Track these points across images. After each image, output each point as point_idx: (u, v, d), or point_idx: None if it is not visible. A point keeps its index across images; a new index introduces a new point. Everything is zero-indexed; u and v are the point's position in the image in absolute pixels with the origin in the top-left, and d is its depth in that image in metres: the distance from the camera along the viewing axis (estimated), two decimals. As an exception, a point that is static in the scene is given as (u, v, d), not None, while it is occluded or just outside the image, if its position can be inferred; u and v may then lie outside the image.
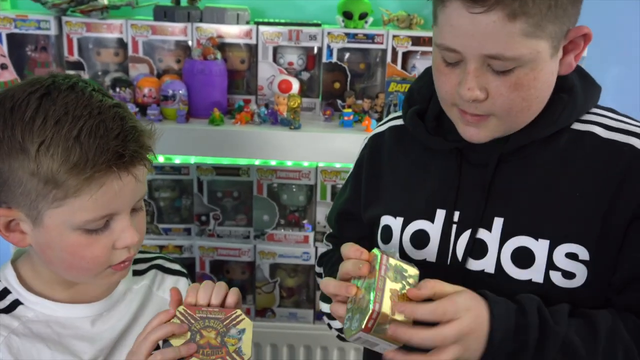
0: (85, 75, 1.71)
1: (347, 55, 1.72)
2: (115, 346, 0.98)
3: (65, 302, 0.95)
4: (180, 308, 0.86)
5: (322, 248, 1.23)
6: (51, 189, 0.84)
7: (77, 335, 0.95)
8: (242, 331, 0.86)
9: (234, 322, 0.86)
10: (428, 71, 1.02)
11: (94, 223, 0.87)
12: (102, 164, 0.83)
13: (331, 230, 1.17)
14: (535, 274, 0.89)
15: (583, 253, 0.87)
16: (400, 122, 1.04)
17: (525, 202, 0.90)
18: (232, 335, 0.85)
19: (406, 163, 1.02)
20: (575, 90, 0.90)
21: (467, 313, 0.79)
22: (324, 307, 1.04)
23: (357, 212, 1.08)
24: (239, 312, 0.87)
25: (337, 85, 1.74)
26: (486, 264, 0.91)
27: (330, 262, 1.09)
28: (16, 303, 0.93)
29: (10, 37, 1.68)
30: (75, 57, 1.70)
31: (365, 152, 1.07)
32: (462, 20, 0.81)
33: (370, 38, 1.69)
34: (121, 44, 1.70)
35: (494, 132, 0.89)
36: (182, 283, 1.10)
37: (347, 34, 1.69)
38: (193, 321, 0.85)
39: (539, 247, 0.88)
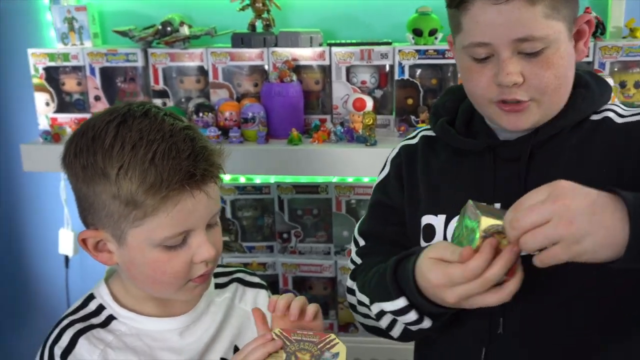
0: (170, 103, 1.81)
1: (418, 71, 1.74)
2: (201, 357, 1.02)
3: (154, 316, 1.00)
4: (277, 330, 0.90)
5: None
6: (131, 209, 0.89)
7: (166, 347, 1.00)
8: (336, 355, 0.87)
9: (328, 346, 0.88)
10: (450, 89, 1.13)
11: (172, 240, 0.92)
12: (176, 184, 0.88)
13: (358, 246, 1.16)
14: None
15: None
16: (430, 132, 1.11)
17: None
18: (327, 359, 0.87)
19: (439, 166, 1.07)
20: (591, 86, 1.00)
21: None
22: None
23: (394, 206, 1.10)
24: (333, 336, 0.89)
25: (410, 101, 1.76)
26: None
27: (362, 275, 1.08)
28: (110, 318, 0.99)
29: (103, 70, 1.80)
30: (161, 85, 1.80)
31: (401, 158, 1.12)
32: (488, 14, 0.90)
33: (440, 53, 1.71)
34: (202, 71, 1.79)
35: (534, 117, 0.95)
36: (262, 295, 1.13)
37: (417, 51, 1.71)
38: (288, 343, 0.88)
39: None
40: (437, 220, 1.04)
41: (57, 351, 0.95)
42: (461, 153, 1.04)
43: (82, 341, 0.96)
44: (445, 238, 1.01)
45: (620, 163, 0.94)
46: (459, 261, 0.83)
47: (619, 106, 1.02)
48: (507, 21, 0.90)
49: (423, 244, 1.05)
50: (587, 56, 1.67)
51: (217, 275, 1.10)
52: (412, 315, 0.95)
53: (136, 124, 0.91)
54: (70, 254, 2.04)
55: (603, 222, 0.76)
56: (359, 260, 1.13)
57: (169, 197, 0.89)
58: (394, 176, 1.12)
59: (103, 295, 1.01)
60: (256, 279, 1.15)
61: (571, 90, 0.98)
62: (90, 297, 1.02)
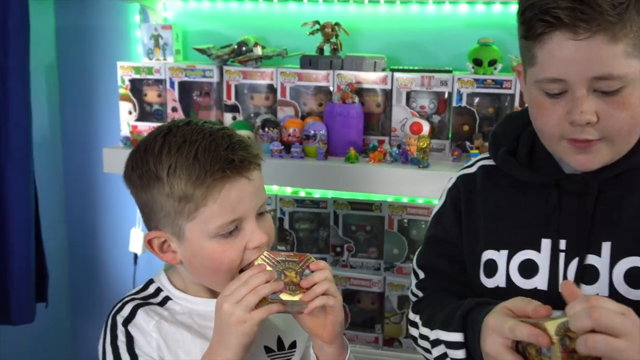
0: (239, 117, 1.94)
1: (476, 99, 1.81)
2: None
3: (207, 297, 1.09)
4: (265, 253, 1.00)
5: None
6: (184, 204, 0.99)
7: (213, 326, 1.06)
8: (313, 272, 1.00)
9: (307, 264, 1.00)
10: (510, 116, 1.11)
11: (225, 228, 1.00)
12: (217, 171, 0.98)
13: (418, 278, 1.15)
14: None
15: None
16: (488, 162, 1.09)
17: (629, 224, 0.94)
18: (307, 274, 0.99)
19: (500, 198, 1.05)
20: None
21: None
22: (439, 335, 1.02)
23: (452, 240, 1.10)
24: (309, 255, 1.01)
25: (466, 127, 1.83)
26: (599, 288, 0.94)
27: (429, 309, 1.07)
28: (167, 299, 1.09)
29: (181, 84, 1.95)
30: (232, 100, 1.93)
31: (459, 190, 1.11)
32: (565, 49, 0.86)
33: (498, 83, 1.77)
34: (271, 89, 1.91)
35: (605, 157, 0.93)
36: None
37: (476, 80, 1.78)
38: (276, 263, 0.99)
39: None
40: (499, 256, 1.02)
41: (119, 319, 1.06)
42: (524, 185, 1.02)
43: (140, 312, 1.06)
44: (507, 274, 1.01)
45: None
46: (531, 312, 0.83)
47: None
48: (585, 58, 0.86)
49: (483, 279, 1.04)
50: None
51: None
52: (461, 354, 0.96)
53: (180, 131, 1.03)
54: (139, 252, 2.19)
55: None
56: (420, 293, 1.13)
57: (213, 185, 0.98)
58: (451, 208, 1.11)
59: (162, 280, 1.12)
60: None
61: None
62: (150, 282, 1.13)
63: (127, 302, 1.09)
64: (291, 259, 1.01)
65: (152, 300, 1.10)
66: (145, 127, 1.99)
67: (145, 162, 1.02)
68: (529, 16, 0.90)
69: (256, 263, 1.00)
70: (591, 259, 0.95)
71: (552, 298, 0.94)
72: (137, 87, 2.00)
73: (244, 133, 1.75)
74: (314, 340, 1.07)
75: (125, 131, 2.01)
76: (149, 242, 1.07)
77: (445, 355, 0.99)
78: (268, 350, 1.12)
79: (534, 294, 0.97)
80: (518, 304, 0.86)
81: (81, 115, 2.22)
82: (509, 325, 0.83)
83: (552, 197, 0.99)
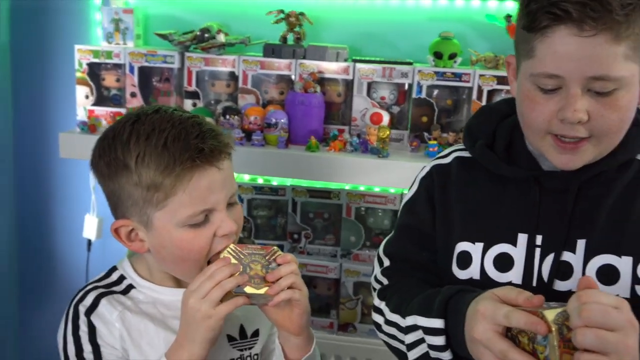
0: (200, 104, 1.93)
1: (435, 91, 1.85)
2: None
3: (171, 287, 1.09)
4: (231, 246, 1.01)
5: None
6: (153, 193, 0.98)
7: (177, 316, 1.05)
8: (280, 265, 1.00)
9: (274, 257, 1.01)
10: (485, 108, 1.10)
11: (195, 217, 1.00)
12: (187, 160, 0.97)
13: (383, 265, 1.14)
14: (621, 290, 0.93)
15: None
16: (464, 153, 1.08)
17: (605, 223, 0.95)
18: (273, 268, 1.00)
19: (476, 191, 1.05)
20: None
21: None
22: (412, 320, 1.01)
23: (425, 230, 1.09)
24: (276, 248, 1.02)
25: (424, 119, 1.87)
26: (573, 284, 0.95)
27: (397, 296, 1.06)
28: (130, 287, 1.09)
29: (141, 69, 1.93)
30: (193, 87, 1.92)
31: (433, 179, 1.10)
32: (568, 45, 0.85)
33: (458, 77, 1.82)
34: (233, 76, 1.91)
35: (588, 157, 0.94)
36: None
37: (436, 73, 1.82)
38: (242, 256, 1.00)
39: (623, 263, 0.93)
40: (474, 248, 1.02)
41: (82, 309, 1.04)
42: (502, 179, 1.02)
43: (103, 302, 1.05)
44: (482, 267, 1.01)
45: None
46: (522, 302, 0.82)
47: None
48: (585, 57, 0.85)
49: (456, 270, 1.04)
50: None
51: None
52: (440, 340, 0.94)
53: (149, 119, 1.01)
54: (93, 238, 2.16)
55: None
56: (385, 280, 1.11)
57: (183, 174, 0.97)
58: (424, 197, 1.10)
59: (125, 268, 1.11)
60: None
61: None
62: (113, 269, 1.12)
63: (89, 290, 1.07)
64: (258, 252, 1.01)
65: (115, 288, 1.09)
66: (103, 112, 1.96)
67: (113, 150, 1.01)
68: (534, 8, 0.88)
69: (222, 256, 1.00)
70: (566, 256, 0.97)
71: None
72: (94, 71, 1.96)
73: (205, 120, 1.75)
74: (280, 331, 1.08)
75: (81, 115, 1.97)
76: (115, 231, 1.05)
77: (422, 340, 0.98)
78: (231, 339, 1.13)
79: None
80: (508, 293, 0.85)
81: (35, 98, 2.16)
82: (504, 312, 0.82)
83: (531, 193, 1.00)
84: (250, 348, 1.15)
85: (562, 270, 0.96)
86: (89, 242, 2.19)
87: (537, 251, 0.98)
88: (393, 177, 1.74)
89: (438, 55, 1.83)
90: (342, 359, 2.02)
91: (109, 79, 1.96)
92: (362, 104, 1.88)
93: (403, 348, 1.02)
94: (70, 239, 2.24)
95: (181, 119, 1.02)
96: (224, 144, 1.03)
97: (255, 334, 1.16)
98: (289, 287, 1.00)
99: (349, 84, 1.88)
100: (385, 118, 1.82)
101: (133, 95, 1.95)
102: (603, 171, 0.97)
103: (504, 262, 1.00)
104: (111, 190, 1.04)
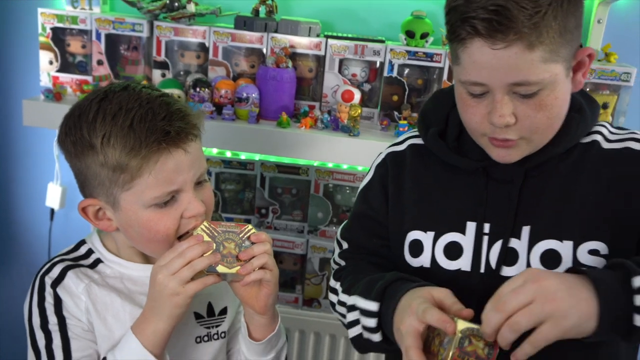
0: (169, 74, 1.89)
1: (406, 70, 1.85)
2: None
3: (139, 262, 1.09)
4: (205, 223, 1.00)
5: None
6: (119, 174, 0.97)
7: (144, 292, 1.06)
8: (253, 243, 1.00)
9: (248, 235, 1.01)
10: (439, 93, 1.11)
11: (162, 198, 0.99)
12: (153, 143, 0.96)
13: (342, 248, 1.18)
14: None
15: (603, 248, 0.95)
16: (418, 140, 1.11)
17: (548, 209, 0.99)
18: (247, 246, 1.00)
19: (429, 180, 1.07)
20: (584, 110, 1.01)
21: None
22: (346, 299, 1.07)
23: (377, 218, 1.12)
24: (250, 226, 1.01)
25: (395, 97, 1.87)
26: (519, 269, 0.98)
27: (350, 278, 1.10)
28: (98, 261, 1.09)
29: (108, 37, 1.87)
30: (162, 57, 1.88)
31: (387, 167, 1.12)
32: (485, 56, 0.88)
33: (429, 56, 1.82)
34: (203, 48, 1.88)
35: (523, 152, 0.98)
36: None
37: (408, 52, 1.82)
38: (216, 234, 0.99)
39: (564, 247, 0.96)
40: (425, 237, 1.05)
41: (48, 280, 1.04)
42: (453, 169, 1.05)
43: (70, 274, 1.05)
44: (433, 256, 1.04)
45: (609, 196, 0.97)
46: (454, 312, 0.87)
47: (606, 127, 1.03)
48: (503, 66, 0.88)
49: (408, 258, 1.07)
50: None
51: None
52: (372, 322, 0.99)
53: (116, 97, 0.99)
54: (56, 207, 2.12)
55: (581, 295, 0.81)
56: (342, 262, 1.17)
57: (149, 156, 0.96)
58: (378, 185, 1.12)
59: (94, 242, 1.10)
60: None
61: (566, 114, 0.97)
62: (82, 243, 1.12)
63: (56, 263, 1.07)
64: (232, 230, 1.01)
65: (82, 262, 1.08)
66: (68, 78, 1.91)
67: (79, 129, 0.99)
68: (451, 19, 0.92)
69: (195, 233, 0.99)
70: (512, 242, 1.00)
71: (474, 279, 0.99)
72: (59, 37, 1.90)
73: (174, 92, 1.72)
74: (246, 309, 1.09)
75: (45, 82, 1.92)
76: (83, 210, 1.04)
77: (357, 321, 1.02)
78: (198, 316, 1.13)
79: (457, 274, 1.01)
80: (445, 298, 0.90)
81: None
82: (423, 308, 0.87)
83: (479, 183, 1.03)
84: (217, 326, 1.15)
85: (509, 256, 1.00)
86: (52, 211, 2.15)
87: (485, 239, 1.01)
88: (362, 155, 1.74)
89: (410, 34, 1.82)
90: (306, 333, 2.04)
91: (75, 45, 1.91)
92: (334, 80, 1.87)
93: (346, 321, 1.06)
94: (33, 207, 2.20)
95: (149, 97, 1.00)
96: (192, 125, 1.01)
97: (223, 311, 1.17)
98: (261, 267, 1.00)
99: (320, 60, 1.86)
100: (357, 96, 1.81)
101: (100, 63, 1.90)
102: (546, 160, 1.00)
103: (453, 250, 1.03)
104: (78, 169, 1.02)
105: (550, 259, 0.97)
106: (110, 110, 0.98)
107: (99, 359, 1.05)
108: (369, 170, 1.17)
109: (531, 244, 0.99)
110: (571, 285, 0.82)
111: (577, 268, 0.87)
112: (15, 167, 2.18)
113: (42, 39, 1.89)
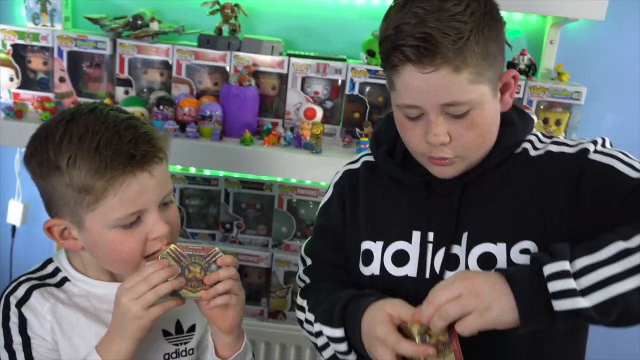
0: (132, 92, 1.90)
1: (367, 88, 1.89)
2: None
3: (105, 281, 1.10)
4: (172, 246, 1.00)
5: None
6: (84, 195, 0.98)
7: (111, 310, 1.06)
8: (220, 267, 1.01)
9: (214, 259, 1.01)
10: (389, 117, 1.16)
11: (126, 219, 1.00)
12: (119, 165, 0.97)
13: (306, 265, 1.23)
14: None
15: (532, 247, 1.02)
16: (371, 158, 1.18)
17: (483, 216, 1.05)
18: (212, 270, 1.01)
19: (379, 194, 1.14)
20: (516, 124, 1.08)
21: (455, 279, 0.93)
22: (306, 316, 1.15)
23: (337, 231, 1.18)
24: (217, 249, 1.02)
25: (356, 115, 1.91)
26: None
27: (314, 296, 1.16)
28: (64, 280, 1.09)
29: (70, 54, 1.87)
30: (125, 74, 1.89)
31: (344, 184, 1.19)
32: (416, 80, 0.95)
33: (389, 75, 1.86)
34: (166, 65, 1.89)
35: (460, 168, 1.04)
36: None
37: (369, 70, 1.86)
38: (182, 258, 1.00)
39: (498, 249, 1.03)
40: (375, 246, 1.11)
41: (13, 300, 1.05)
42: (399, 183, 1.12)
43: (35, 294, 1.05)
44: (382, 264, 1.10)
45: (532, 198, 1.04)
46: (411, 319, 0.94)
47: (537, 136, 1.10)
48: (433, 88, 0.95)
49: (362, 267, 1.13)
50: (518, 93, 1.85)
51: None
52: (343, 347, 1.06)
53: (83, 119, 1.01)
54: (18, 224, 2.10)
55: (502, 290, 0.89)
56: (307, 279, 1.21)
57: (114, 179, 0.97)
58: (337, 201, 1.18)
59: (61, 260, 1.11)
60: None
61: (499, 128, 1.05)
62: (49, 261, 1.12)
63: (22, 282, 1.07)
64: (198, 253, 1.02)
65: (49, 281, 1.09)
66: (29, 95, 1.90)
67: (45, 150, 1.00)
68: (384, 48, 0.98)
69: (160, 257, 1.01)
70: (454, 249, 1.06)
71: (420, 283, 1.04)
72: (20, 53, 1.89)
73: (137, 110, 1.73)
74: (212, 328, 1.10)
75: (6, 98, 1.90)
76: (48, 229, 1.05)
77: (328, 344, 1.09)
78: (166, 333, 1.15)
79: (404, 280, 1.07)
80: (399, 311, 0.97)
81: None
82: (392, 340, 0.94)
83: (422, 195, 1.10)
84: (185, 343, 1.17)
85: (452, 262, 1.06)
86: (14, 228, 2.13)
87: (430, 246, 1.07)
88: (325, 172, 1.76)
89: (371, 54, 1.87)
90: (272, 345, 2.06)
91: (36, 62, 1.90)
92: (296, 98, 1.90)
93: (317, 347, 1.13)
94: (-7, 224, 2.18)
95: (116, 120, 1.01)
96: (158, 148, 1.03)
97: (192, 329, 1.18)
98: (226, 292, 1.02)
99: (283, 78, 1.89)
100: (319, 113, 1.85)
101: (62, 80, 1.89)
102: (484, 170, 1.06)
103: (400, 258, 1.09)
104: (44, 189, 1.03)
105: (486, 261, 1.03)
106: (76, 132, 0.99)
107: None
108: (329, 187, 1.23)
109: (469, 249, 1.05)
110: (495, 282, 0.90)
111: (501, 268, 0.96)
112: (-25, 184, 2.16)
113: (2, 55, 1.88)
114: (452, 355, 0.93)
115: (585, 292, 0.87)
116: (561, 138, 1.10)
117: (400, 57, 0.95)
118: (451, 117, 0.98)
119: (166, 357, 1.14)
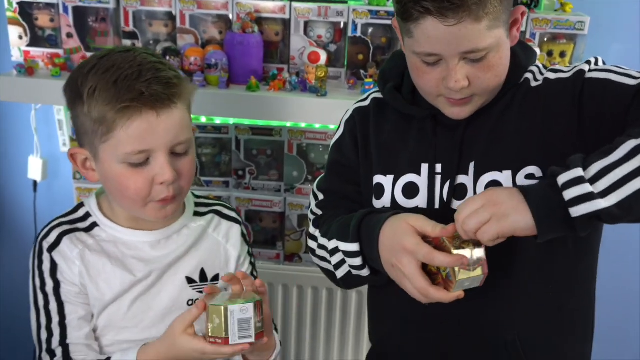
0: (139, 44, 1.92)
1: (370, 30, 1.90)
2: (164, 270, 1.18)
3: (132, 228, 1.17)
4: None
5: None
6: (99, 125, 1.05)
7: (137, 256, 1.16)
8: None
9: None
10: (395, 55, 1.20)
11: (134, 157, 1.06)
12: (127, 100, 1.02)
13: (318, 199, 1.27)
14: None
15: (537, 172, 1.06)
16: (380, 95, 1.21)
17: (488, 145, 1.09)
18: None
19: (388, 129, 1.17)
20: (518, 55, 1.11)
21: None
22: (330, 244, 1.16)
23: (350, 165, 1.22)
24: (256, 296, 1.04)
25: (360, 57, 1.92)
26: None
27: (327, 223, 1.20)
28: (94, 225, 1.17)
29: (75, 9, 1.89)
30: (131, 27, 1.91)
31: (355, 121, 1.22)
32: (437, 31, 0.98)
33: (391, 15, 1.85)
34: (170, 16, 1.91)
35: (476, 107, 1.08)
36: (235, 229, 1.28)
37: (370, 11, 1.86)
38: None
39: (504, 177, 1.07)
40: (385, 180, 1.15)
41: (45, 245, 1.13)
42: (408, 118, 1.15)
43: (65, 240, 1.14)
44: (393, 196, 1.14)
45: (535, 125, 1.07)
46: (439, 234, 0.99)
47: (539, 67, 1.13)
48: (455, 38, 0.97)
49: (374, 201, 1.16)
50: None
51: (198, 205, 1.26)
52: (358, 261, 1.10)
53: (114, 56, 1.07)
54: (38, 179, 2.18)
55: (520, 199, 0.94)
56: (319, 212, 1.25)
57: (122, 112, 1.02)
58: (349, 137, 1.22)
59: (91, 205, 1.18)
60: (233, 214, 1.30)
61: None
62: (80, 205, 1.20)
63: (54, 227, 1.15)
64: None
65: (79, 225, 1.16)
66: (39, 52, 1.94)
67: (75, 80, 1.07)
68: (404, 1, 0.99)
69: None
70: (461, 179, 1.10)
71: (430, 214, 1.08)
72: (26, 11, 1.92)
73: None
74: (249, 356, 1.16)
75: (17, 57, 1.94)
76: (72, 156, 1.13)
77: (343, 261, 1.13)
78: (190, 281, 1.21)
79: (415, 211, 1.10)
80: (424, 226, 1.01)
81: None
82: (424, 252, 0.99)
83: (429, 128, 1.13)
84: None
85: (459, 191, 1.10)
86: (35, 183, 2.20)
87: (438, 178, 1.12)
88: (332, 115, 1.79)
89: (372, -6, 1.87)
90: (289, 287, 2.13)
91: (43, 19, 1.93)
92: (300, 42, 1.91)
93: (331, 268, 1.17)
94: (15, 181, 2.25)
95: (142, 61, 1.06)
96: (172, 93, 1.06)
97: (215, 278, 1.24)
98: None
99: (286, 23, 1.90)
100: (323, 57, 1.86)
101: (69, 35, 1.93)
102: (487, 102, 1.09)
103: (411, 190, 1.13)
104: (72, 117, 1.11)
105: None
106: (103, 66, 1.05)
107: (92, 318, 1.14)
108: (339, 126, 1.26)
109: (476, 178, 1.09)
110: (513, 193, 0.96)
111: (519, 185, 1.01)
112: (-5, 142, 2.23)
113: (9, 13, 1.91)
114: (479, 268, 0.98)
115: (603, 193, 0.90)
116: (557, 66, 1.13)
117: (421, 10, 0.97)
118: (470, 62, 1.01)
119: (190, 303, 1.20)
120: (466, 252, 0.97)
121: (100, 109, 1.03)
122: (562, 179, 0.92)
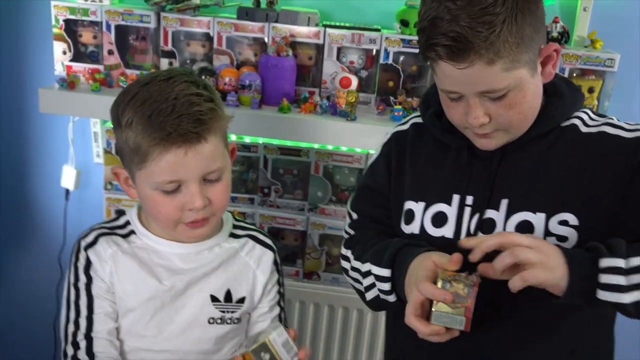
0: (176, 63, 1.99)
1: (401, 58, 1.94)
2: (190, 283, 1.22)
3: (166, 239, 1.22)
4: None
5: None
6: (134, 154, 1.11)
7: (165, 265, 1.21)
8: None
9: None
10: None
11: (165, 185, 1.12)
12: (156, 138, 1.07)
13: (351, 219, 1.29)
14: None
15: (572, 219, 1.06)
16: (420, 120, 1.23)
17: (524, 185, 1.09)
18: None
19: (425, 155, 1.19)
20: (564, 95, 1.11)
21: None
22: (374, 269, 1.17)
23: (380, 189, 1.24)
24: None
25: (391, 83, 1.97)
26: None
27: (359, 246, 1.22)
28: (131, 232, 1.23)
29: (117, 27, 1.97)
30: (169, 47, 1.98)
31: (392, 145, 1.24)
32: (452, 72, 1.00)
33: (422, 45, 1.91)
34: (208, 37, 1.97)
35: (502, 141, 1.09)
36: (268, 256, 1.30)
37: (402, 40, 1.91)
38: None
39: (537, 219, 1.07)
40: (417, 207, 1.16)
41: (83, 244, 1.20)
42: (444, 146, 1.16)
43: (101, 240, 1.21)
44: (422, 224, 1.15)
45: (580, 173, 1.07)
46: (447, 265, 1.01)
47: (587, 114, 1.12)
48: (469, 80, 0.99)
49: (403, 226, 1.18)
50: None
51: (236, 227, 1.30)
52: (387, 286, 1.12)
53: (153, 85, 1.11)
54: (71, 188, 2.24)
55: (564, 264, 0.96)
56: (352, 232, 1.28)
57: (153, 147, 1.08)
58: (384, 161, 1.24)
59: (132, 215, 1.25)
60: (269, 241, 1.32)
61: (545, 98, 1.08)
62: (122, 213, 1.27)
63: (94, 229, 1.23)
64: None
65: (118, 231, 1.23)
66: (81, 67, 2.01)
67: (117, 106, 1.13)
68: (421, 39, 1.02)
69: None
70: (491, 213, 1.11)
71: (456, 245, 1.10)
72: (71, 28, 1.99)
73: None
74: None
75: (59, 71, 2.02)
76: (115, 174, 1.20)
77: (373, 284, 1.16)
78: (214, 299, 1.24)
79: (441, 241, 1.14)
80: (442, 259, 1.03)
81: (13, 54, 2.18)
82: (420, 281, 1.02)
83: (464, 159, 1.14)
84: (232, 312, 1.26)
85: (486, 226, 1.11)
86: (67, 191, 2.27)
87: (467, 210, 1.13)
88: (359, 138, 1.85)
89: (405, 23, 1.91)
90: (306, 304, 2.16)
91: (86, 36, 2.00)
92: (332, 67, 1.96)
93: (362, 289, 1.20)
94: (48, 189, 2.32)
95: (179, 94, 1.09)
96: (202, 129, 1.09)
97: (241, 300, 1.27)
98: None
99: (319, 48, 1.95)
100: (354, 82, 1.91)
101: (110, 52, 2.00)
102: (528, 140, 1.10)
103: (440, 219, 1.15)
104: (115, 138, 1.17)
105: (524, 229, 1.09)
106: (142, 97, 1.10)
107: (117, 317, 1.20)
108: (377, 148, 1.29)
109: (508, 215, 1.10)
110: (558, 252, 0.97)
111: (562, 246, 1.00)
112: (31, 151, 2.29)
113: (55, 30, 1.99)
114: (462, 310, 0.99)
115: (629, 289, 0.94)
116: (616, 120, 1.12)
117: (434, 55, 0.99)
118: (489, 99, 1.02)
119: (211, 321, 1.24)
120: (453, 287, 1.00)
121: (135, 140, 1.09)
122: (603, 263, 0.96)
